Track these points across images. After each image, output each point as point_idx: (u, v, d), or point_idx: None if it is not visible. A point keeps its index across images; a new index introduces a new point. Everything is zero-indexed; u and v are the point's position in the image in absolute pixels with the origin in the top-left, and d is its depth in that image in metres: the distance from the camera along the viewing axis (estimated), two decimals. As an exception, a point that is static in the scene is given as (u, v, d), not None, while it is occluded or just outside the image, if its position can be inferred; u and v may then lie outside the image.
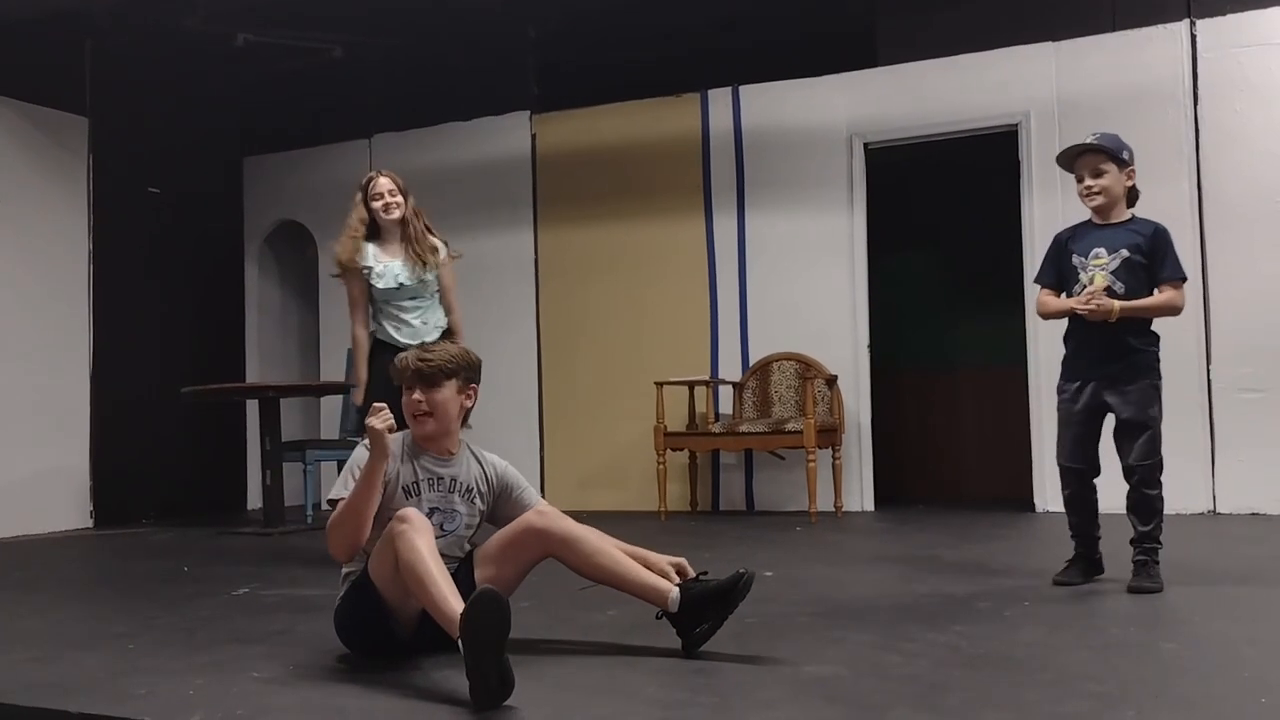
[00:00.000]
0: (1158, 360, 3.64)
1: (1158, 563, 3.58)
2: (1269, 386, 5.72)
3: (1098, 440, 3.69)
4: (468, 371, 2.94)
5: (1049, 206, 6.03)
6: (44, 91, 6.87)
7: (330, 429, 7.66)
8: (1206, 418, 5.82)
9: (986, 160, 6.69)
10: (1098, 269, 3.61)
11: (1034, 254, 6.10)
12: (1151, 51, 6.03)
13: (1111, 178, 3.63)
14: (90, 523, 6.95)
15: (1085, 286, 3.60)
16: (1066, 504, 3.77)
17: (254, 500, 7.81)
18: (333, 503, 2.81)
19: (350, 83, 7.87)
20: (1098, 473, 3.71)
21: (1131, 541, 3.62)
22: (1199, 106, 5.93)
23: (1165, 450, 3.62)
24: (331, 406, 7.72)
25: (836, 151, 6.66)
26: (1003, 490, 6.67)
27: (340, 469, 3.04)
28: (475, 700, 2.28)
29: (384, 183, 4.59)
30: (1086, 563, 3.73)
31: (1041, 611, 3.26)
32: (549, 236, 7.36)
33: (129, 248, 7.32)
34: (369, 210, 4.61)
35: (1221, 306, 5.83)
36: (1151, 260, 3.60)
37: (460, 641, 2.30)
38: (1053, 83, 6.22)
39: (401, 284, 4.57)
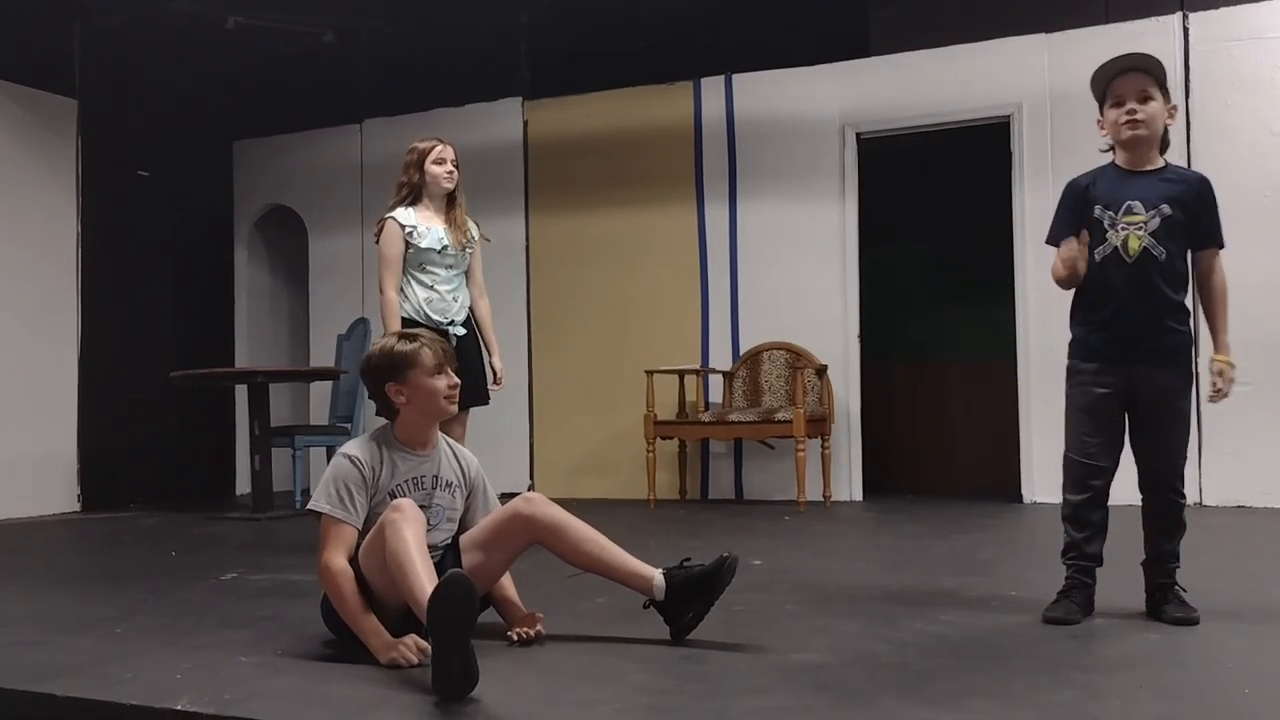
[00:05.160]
0: (1192, 343, 3.08)
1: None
2: (1256, 379, 5.72)
3: (1123, 434, 3.06)
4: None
5: (1041, 198, 6.03)
6: (33, 73, 6.81)
7: (320, 414, 7.65)
8: (1194, 410, 5.82)
9: (978, 151, 6.69)
10: (1132, 229, 2.93)
11: (1025, 246, 6.13)
12: (1144, 44, 5.95)
13: (1157, 107, 2.93)
14: (77, 506, 6.93)
15: (1115, 246, 2.95)
16: (1077, 512, 3.00)
17: (242, 485, 7.79)
18: (317, 514, 2.80)
19: (341, 67, 7.84)
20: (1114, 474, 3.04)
21: (1150, 562, 3.04)
22: (1190, 99, 5.94)
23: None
24: (321, 392, 7.70)
25: (829, 141, 6.66)
26: (991, 481, 6.68)
27: (329, 456, 3.03)
28: (436, 689, 2.23)
29: (451, 151, 4.56)
30: (1085, 593, 3.01)
31: (1028, 602, 3.26)
32: (540, 223, 7.35)
33: (118, 231, 7.28)
34: (421, 174, 4.53)
35: (1210, 299, 5.83)
36: (1196, 219, 2.96)
37: (426, 628, 2.27)
38: (1045, 74, 6.22)
39: (444, 246, 4.46)
